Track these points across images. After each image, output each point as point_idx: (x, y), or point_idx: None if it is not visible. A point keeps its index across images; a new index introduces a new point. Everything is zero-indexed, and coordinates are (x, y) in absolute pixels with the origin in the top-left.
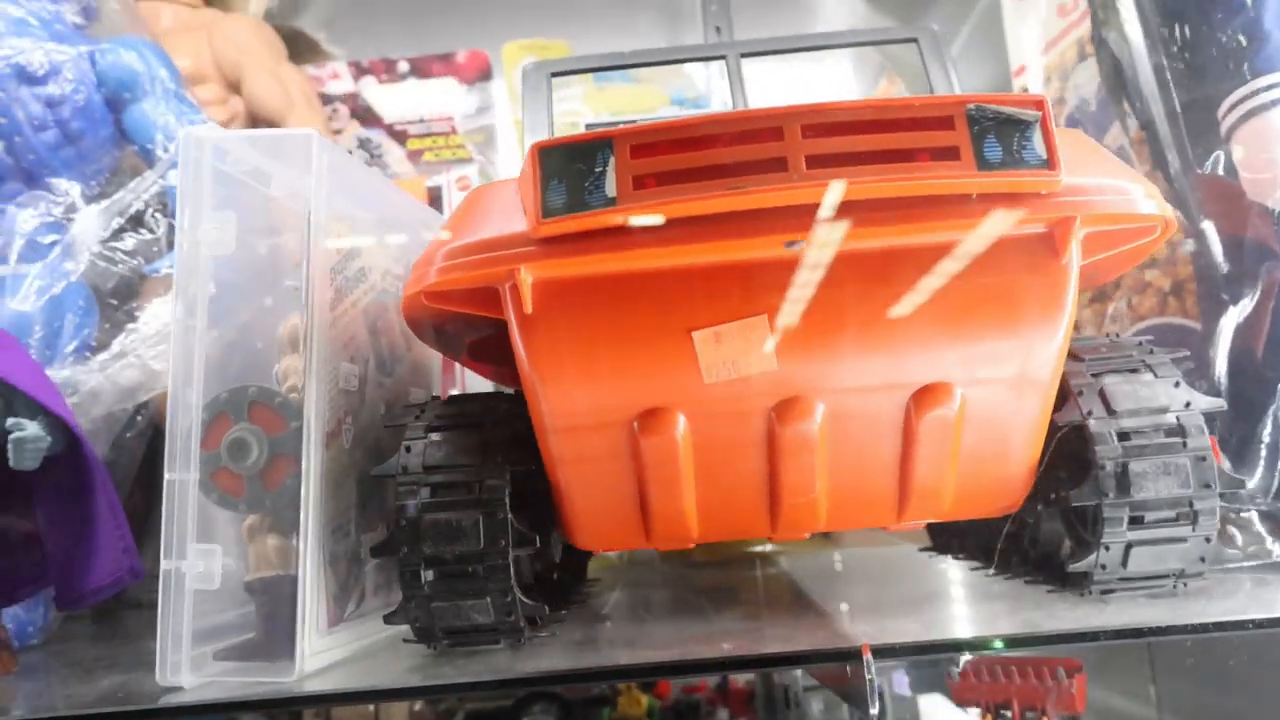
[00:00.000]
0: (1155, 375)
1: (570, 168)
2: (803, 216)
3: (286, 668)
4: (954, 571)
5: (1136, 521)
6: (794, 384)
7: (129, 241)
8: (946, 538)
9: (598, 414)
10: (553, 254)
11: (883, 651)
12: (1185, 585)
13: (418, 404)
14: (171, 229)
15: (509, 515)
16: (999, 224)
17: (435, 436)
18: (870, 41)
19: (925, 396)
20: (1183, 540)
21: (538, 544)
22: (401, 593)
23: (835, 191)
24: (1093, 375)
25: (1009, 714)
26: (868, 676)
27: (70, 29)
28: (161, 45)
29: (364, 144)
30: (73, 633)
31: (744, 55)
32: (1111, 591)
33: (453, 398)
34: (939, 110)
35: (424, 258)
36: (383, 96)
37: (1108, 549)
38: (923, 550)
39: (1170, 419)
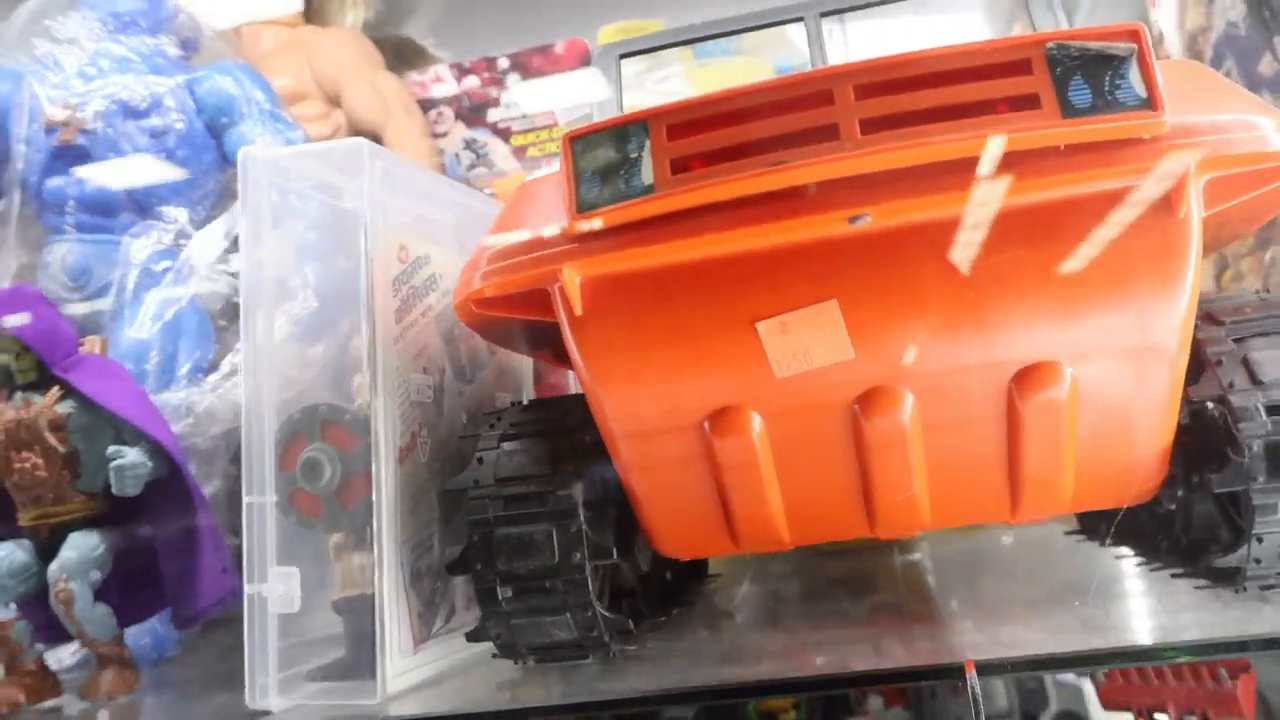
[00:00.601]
0: None
1: (604, 155)
2: (866, 188)
3: (369, 690)
4: (1102, 559)
5: None
6: (876, 373)
7: (235, 263)
8: (1095, 520)
9: (663, 417)
10: (593, 250)
11: (988, 668)
12: None
13: (494, 412)
14: None
15: (584, 527)
16: (1095, 178)
17: (509, 446)
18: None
19: (1029, 378)
20: None
21: (614, 556)
22: (480, 609)
23: (892, 159)
24: (1234, 341)
25: None
26: (972, 692)
27: (171, 62)
28: (262, 67)
29: (470, 144)
30: (214, 640)
31: (823, 14)
32: (1272, 587)
33: (532, 403)
34: (1013, 53)
35: (471, 262)
36: (524, 93)
37: (1260, 541)
38: (1069, 534)
39: None
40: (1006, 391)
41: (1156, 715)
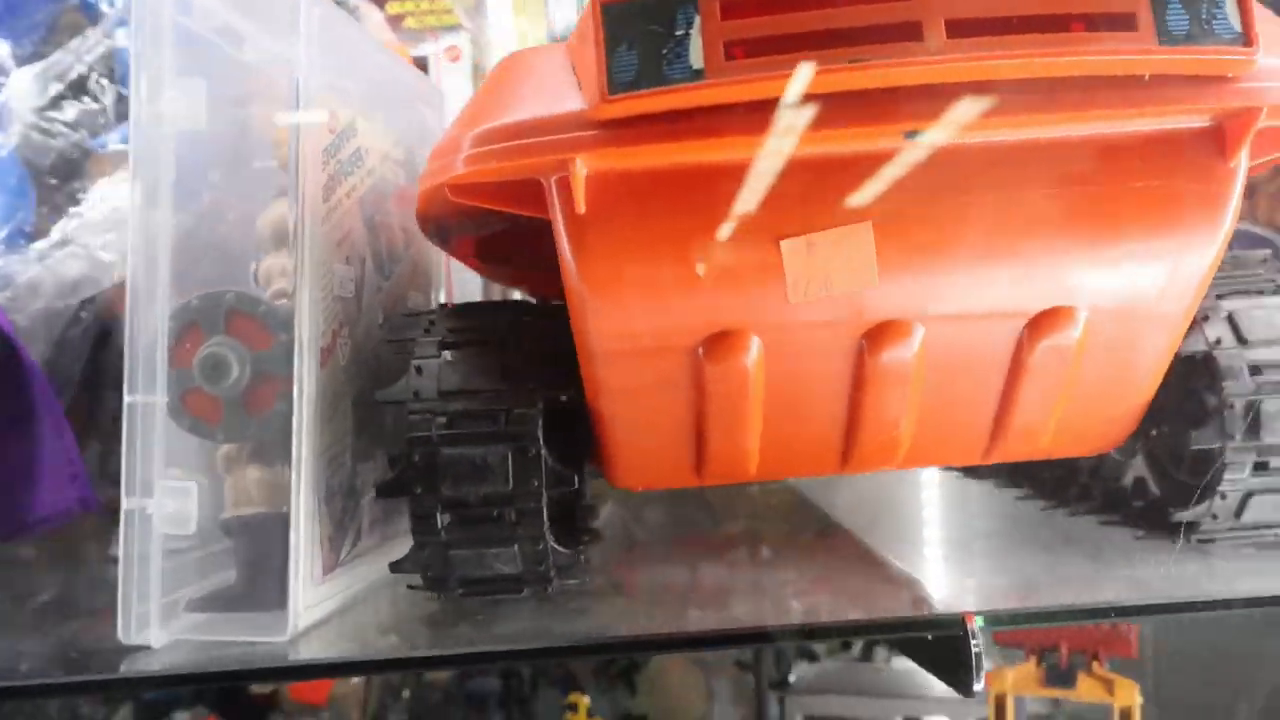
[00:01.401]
0: None
1: (644, 30)
2: (931, 99)
3: (278, 625)
4: (989, 500)
5: (1261, 468)
6: (893, 305)
7: (70, 111)
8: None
9: (659, 336)
10: (618, 140)
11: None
12: None
13: (422, 313)
14: (120, 98)
15: (543, 451)
16: (1170, 112)
17: (453, 355)
18: None
19: (1043, 321)
20: None
21: (575, 484)
22: (413, 538)
23: (981, 69)
24: (1217, 297)
25: (1057, 658)
26: (974, 650)
27: None
28: None
29: (338, 3)
30: (18, 558)
31: None
32: (1212, 541)
33: (466, 307)
34: None
35: (447, 144)
36: None
37: (1224, 498)
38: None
39: None
40: (1017, 334)
41: (1049, 654)
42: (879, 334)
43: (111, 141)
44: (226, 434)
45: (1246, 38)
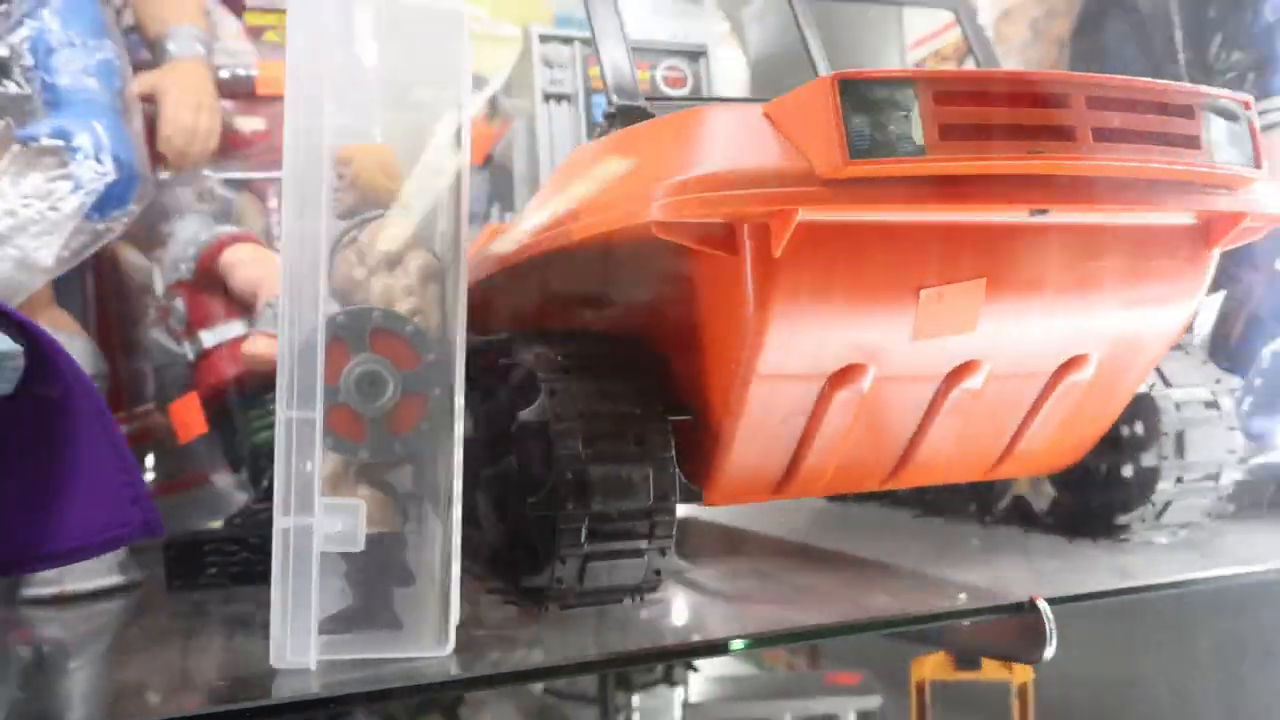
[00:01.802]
0: (1187, 353)
1: (874, 107)
2: (1055, 186)
3: (438, 640)
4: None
5: (1180, 481)
6: (976, 348)
7: None
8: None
9: (807, 365)
10: (844, 198)
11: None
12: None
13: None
14: (45, 86)
15: (676, 469)
16: (1208, 211)
17: (584, 379)
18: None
19: (1070, 364)
20: (1210, 494)
21: (701, 500)
22: (554, 552)
23: (1119, 168)
24: None
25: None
26: (1048, 628)
27: None
28: None
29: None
30: None
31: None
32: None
33: (564, 335)
34: (1186, 99)
35: (642, 187)
36: None
37: (1154, 505)
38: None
39: (1206, 393)
40: (1050, 373)
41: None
42: (958, 372)
43: (44, 133)
44: (373, 452)
45: (1256, 160)
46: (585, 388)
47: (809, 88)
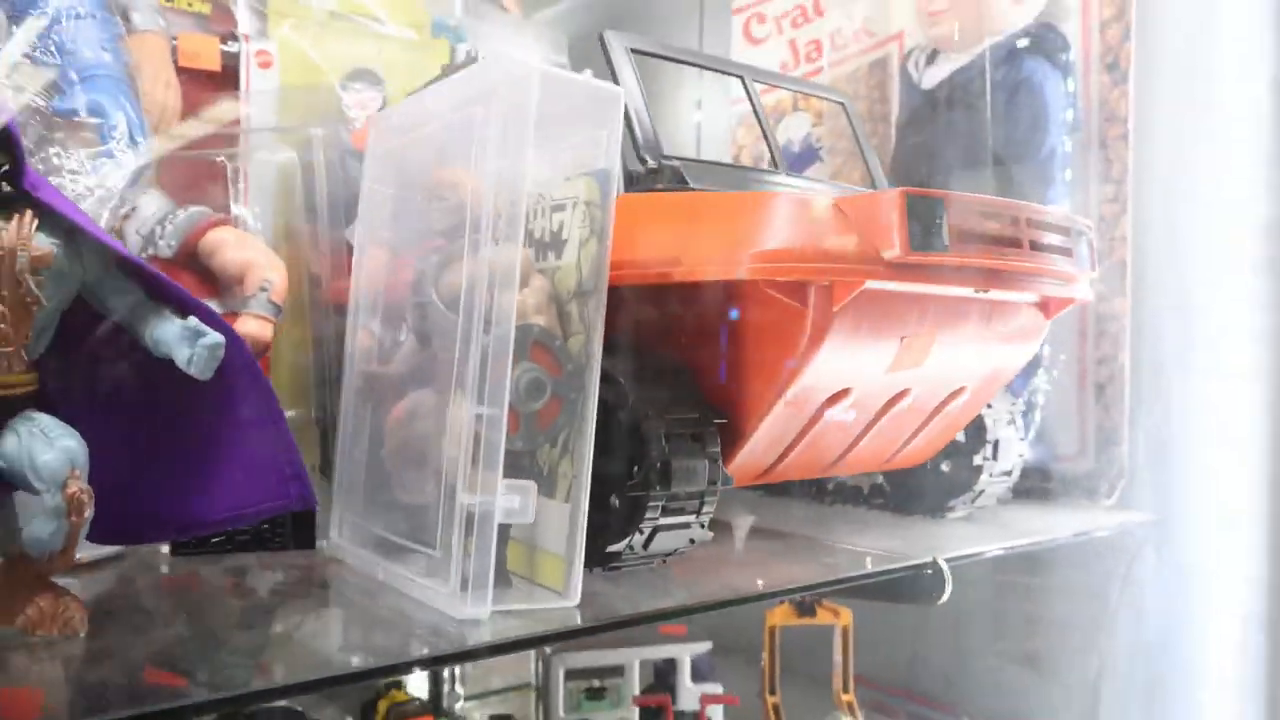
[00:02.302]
0: None
1: (924, 213)
2: (994, 275)
3: (570, 593)
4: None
5: (992, 476)
6: (911, 379)
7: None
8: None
9: (821, 388)
10: (895, 275)
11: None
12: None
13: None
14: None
15: (720, 461)
16: (1063, 295)
17: (658, 389)
18: (804, 91)
19: (956, 392)
20: (1005, 485)
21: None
22: (635, 523)
23: (1038, 266)
24: None
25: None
26: (946, 579)
27: None
28: None
29: None
30: None
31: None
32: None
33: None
34: (1066, 223)
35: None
36: None
37: (974, 492)
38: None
39: (1009, 414)
40: (942, 398)
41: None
42: (896, 397)
43: (80, 109)
44: (525, 443)
45: (1093, 265)
46: (663, 396)
47: (880, 196)
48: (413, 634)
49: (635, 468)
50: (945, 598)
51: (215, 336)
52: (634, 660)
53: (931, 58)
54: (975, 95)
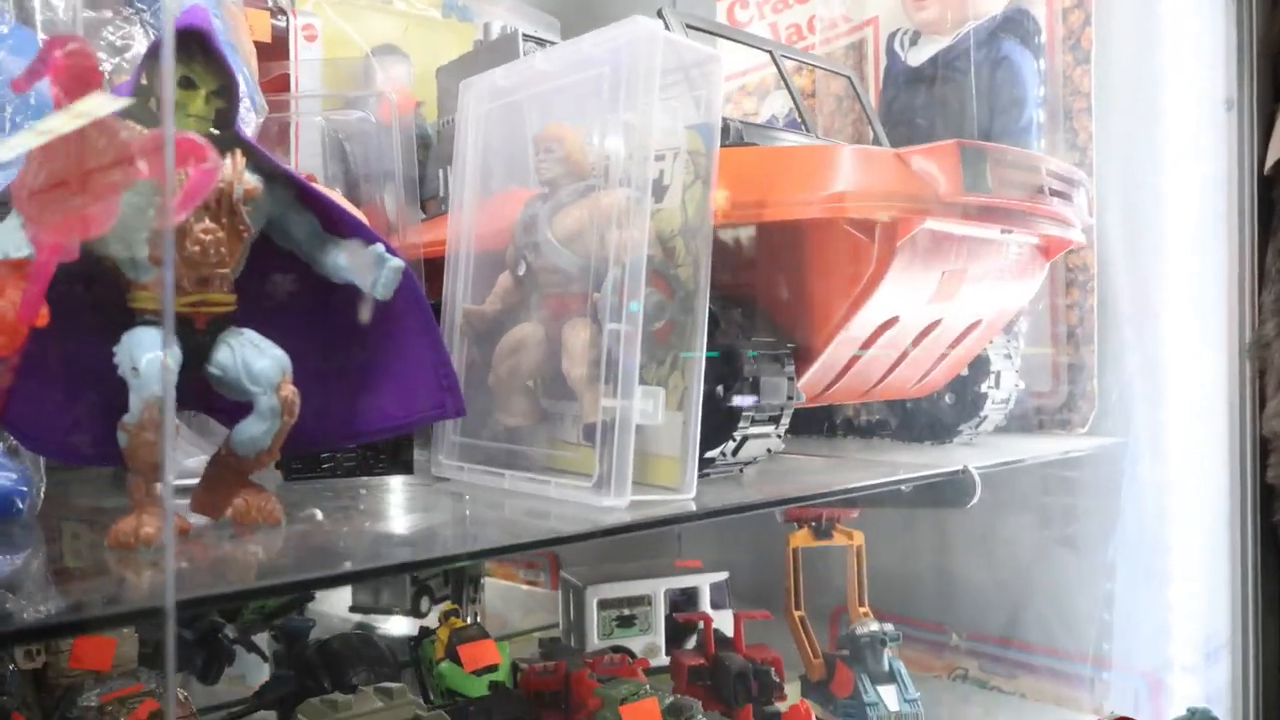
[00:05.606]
0: None
1: (973, 162)
2: (1017, 217)
3: (687, 487)
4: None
5: (994, 403)
6: (942, 310)
7: None
8: None
9: (878, 315)
10: (949, 214)
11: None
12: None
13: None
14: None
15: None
16: (1065, 237)
17: (748, 319)
18: (818, 65)
19: (975, 324)
20: (1003, 413)
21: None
22: (729, 431)
23: (1053, 210)
24: None
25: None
26: (976, 483)
27: None
28: None
29: None
30: None
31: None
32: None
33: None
34: (1072, 175)
35: (823, 189)
36: None
37: (979, 419)
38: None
39: (1006, 348)
40: (963, 328)
41: (816, 521)
42: (930, 327)
43: None
44: (645, 356)
45: (1091, 211)
46: (747, 323)
47: (937, 146)
48: (570, 519)
49: (724, 385)
50: (975, 500)
51: (398, 261)
52: (659, 590)
53: (914, 39)
54: (960, 72)
